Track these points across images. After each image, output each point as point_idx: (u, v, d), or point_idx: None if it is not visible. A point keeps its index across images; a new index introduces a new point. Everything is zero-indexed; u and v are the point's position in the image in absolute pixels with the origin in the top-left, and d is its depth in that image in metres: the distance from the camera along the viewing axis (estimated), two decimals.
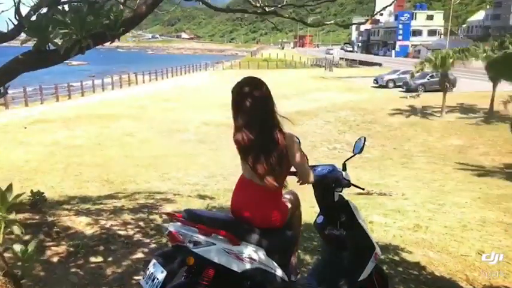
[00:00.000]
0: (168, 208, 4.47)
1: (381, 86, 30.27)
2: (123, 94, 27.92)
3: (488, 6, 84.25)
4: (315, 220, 2.51)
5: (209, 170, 11.55)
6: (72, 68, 69.61)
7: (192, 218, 1.99)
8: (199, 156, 13.58)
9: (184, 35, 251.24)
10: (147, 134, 16.60)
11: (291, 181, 2.27)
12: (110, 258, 2.89)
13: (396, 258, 3.55)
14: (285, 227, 2.21)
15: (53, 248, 2.98)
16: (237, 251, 1.97)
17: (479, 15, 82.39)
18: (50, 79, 29.31)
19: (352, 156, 2.46)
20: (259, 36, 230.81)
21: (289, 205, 2.28)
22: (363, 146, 2.43)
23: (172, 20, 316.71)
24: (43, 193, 4.17)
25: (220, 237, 1.96)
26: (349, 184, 2.29)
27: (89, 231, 3.39)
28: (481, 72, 23.42)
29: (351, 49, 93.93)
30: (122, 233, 3.39)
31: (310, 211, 5.35)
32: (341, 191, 2.36)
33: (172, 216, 2.04)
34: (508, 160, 14.15)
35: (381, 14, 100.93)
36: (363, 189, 2.33)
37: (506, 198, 8.33)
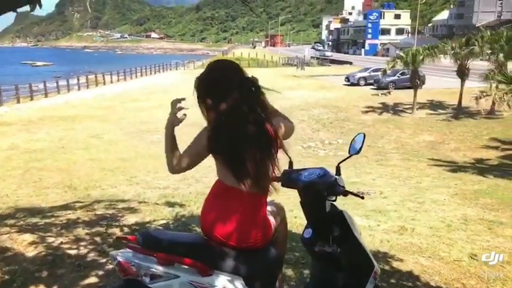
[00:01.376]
0: (131, 219, 3.97)
1: (352, 84, 30.39)
2: (90, 95, 26.83)
3: (452, 6, 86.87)
4: (302, 234, 2.11)
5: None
6: (37, 69, 67.27)
7: (148, 242, 1.55)
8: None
9: (154, 35, 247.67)
10: (114, 135, 15.85)
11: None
12: (55, 287, 2.39)
13: (387, 267, 3.21)
14: (267, 245, 1.80)
15: None
16: (207, 283, 1.54)
17: (444, 15, 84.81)
18: (14, 80, 27.87)
19: (348, 158, 2.07)
20: (230, 35, 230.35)
21: (272, 219, 1.88)
22: (362, 145, 2.05)
23: (141, 20, 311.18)
24: None
25: (186, 266, 1.52)
26: (344, 192, 1.88)
27: (31, 252, 2.87)
28: (449, 69, 23.90)
29: (321, 48, 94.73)
30: (72, 252, 2.88)
31: (288, 215, 5.02)
32: (334, 200, 1.97)
33: (123, 240, 1.60)
34: (479, 155, 14.32)
35: (350, 13, 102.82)
36: (362, 197, 1.94)
37: (482, 194, 8.27)
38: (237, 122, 1.73)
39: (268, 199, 1.92)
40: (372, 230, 4.77)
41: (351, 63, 51.66)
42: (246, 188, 1.72)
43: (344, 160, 2.04)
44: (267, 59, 56.36)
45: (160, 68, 45.01)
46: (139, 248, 1.52)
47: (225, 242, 1.69)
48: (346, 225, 1.98)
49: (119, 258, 1.49)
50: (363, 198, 1.93)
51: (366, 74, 31.14)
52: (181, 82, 33.15)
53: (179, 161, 1.84)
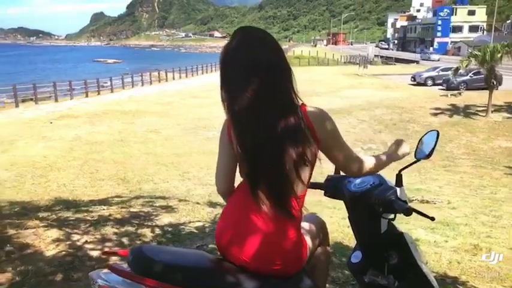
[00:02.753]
0: (165, 219, 3.69)
1: (418, 84, 28.60)
2: (153, 91, 27.68)
3: None
4: (350, 258, 1.65)
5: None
6: (108, 66, 71.47)
7: (139, 264, 1.18)
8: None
9: (217, 34, 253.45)
10: (172, 130, 16.04)
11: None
12: None
13: None
14: (300, 273, 1.36)
15: None
16: None
17: None
18: (87, 76, 29.55)
19: (413, 163, 1.56)
20: (291, 34, 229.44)
21: (308, 240, 1.43)
22: (435, 146, 1.54)
23: (205, 19, 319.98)
24: None
25: None
26: (408, 210, 1.37)
27: (51, 251, 2.67)
28: None
29: (386, 47, 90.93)
30: (94, 254, 2.62)
31: (341, 224, 4.46)
32: (393, 219, 1.49)
33: (112, 255, 1.25)
34: None
35: (418, 10, 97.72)
36: (433, 218, 1.43)
37: None
38: (256, 119, 1.29)
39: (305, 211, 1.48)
40: (438, 246, 4.12)
41: (417, 62, 49.00)
42: (265, 209, 1.30)
43: (408, 166, 1.55)
44: (328, 57, 55.05)
45: None
46: (126, 271, 1.16)
47: (243, 265, 1.29)
48: (407, 251, 1.49)
49: (100, 282, 1.13)
50: (433, 219, 1.43)
51: (434, 73, 29.19)
52: None
53: (216, 180, 1.51)
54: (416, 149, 1.59)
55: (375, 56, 57.00)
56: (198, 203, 4.62)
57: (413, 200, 7.57)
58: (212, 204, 4.50)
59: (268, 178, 1.30)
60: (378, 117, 19.27)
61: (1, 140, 12.83)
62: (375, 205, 1.44)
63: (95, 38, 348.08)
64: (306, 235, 1.42)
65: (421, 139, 1.61)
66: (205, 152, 12.85)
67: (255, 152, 1.30)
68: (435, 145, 1.51)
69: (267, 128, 1.27)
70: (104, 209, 3.93)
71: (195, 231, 3.39)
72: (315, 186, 1.70)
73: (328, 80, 30.78)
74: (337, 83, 29.60)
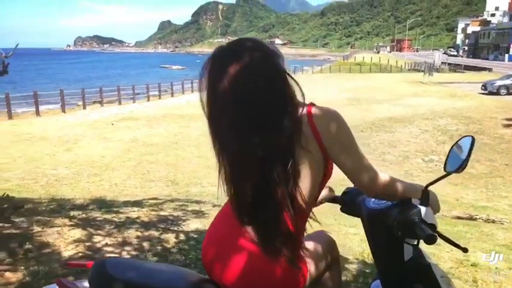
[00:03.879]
0: (193, 224, 3.53)
1: (490, 93, 26.53)
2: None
3: None
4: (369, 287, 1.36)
5: None
6: (173, 72, 74.64)
7: (98, 281, 1.00)
8: None
9: (277, 41, 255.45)
10: None
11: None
12: None
13: None
14: None
15: (6, 273, 2.22)
16: None
17: None
18: (153, 81, 30.90)
19: (443, 177, 1.23)
20: (354, 40, 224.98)
21: (310, 264, 1.18)
22: (469, 156, 1.19)
23: (266, 26, 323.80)
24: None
25: None
26: (430, 237, 1.06)
27: (69, 251, 2.60)
28: None
29: (455, 53, 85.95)
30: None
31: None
32: (417, 244, 1.18)
33: (76, 267, 1.10)
34: None
35: (493, 15, 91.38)
36: (465, 249, 1.11)
37: None
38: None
39: (314, 226, 1.23)
40: (499, 274, 3.57)
41: (490, 70, 45.59)
42: (249, 236, 1.10)
43: (436, 181, 1.21)
44: (391, 64, 53.05)
45: None
46: None
47: None
48: (436, 287, 1.17)
49: None
50: (465, 251, 1.11)
51: (508, 81, 26.95)
52: None
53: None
54: (446, 161, 1.26)
55: (442, 63, 53.97)
56: None
57: (477, 219, 6.87)
58: None
59: (254, 202, 1.10)
60: (442, 127, 18.05)
61: (67, 139, 13.67)
62: (393, 227, 1.14)
63: (162, 45, 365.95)
64: (308, 257, 1.16)
65: (451, 148, 1.27)
66: None
67: (239, 171, 1.11)
68: (469, 155, 1.17)
69: (248, 146, 1.07)
70: (134, 211, 3.88)
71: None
72: (331, 200, 1.46)
73: (390, 87, 29.54)
74: (399, 90, 28.32)
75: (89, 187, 8.02)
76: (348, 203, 1.42)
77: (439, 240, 1.10)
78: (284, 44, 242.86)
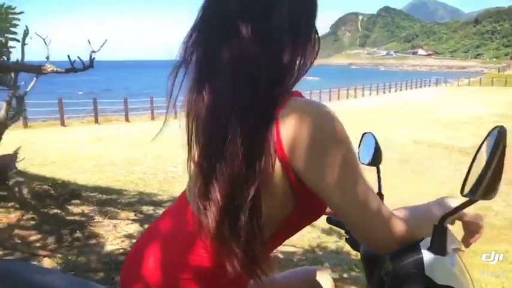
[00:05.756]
0: None
1: None
2: (336, 107, 27.64)
3: None
4: None
5: (403, 196, 9.52)
6: (307, 83, 76.31)
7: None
8: (395, 178, 11.50)
9: (421, 52, 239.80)
10: None
11: None
12: None
13: None
14: None
15: (45, 259, 2.21)
16: None
17: None
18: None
19: (467, 205, 0.71)
20: None
21: None
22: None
23: (409, 36, 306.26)
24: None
25: None
26: None
27: (113, 246, 2.52)
28: None
29: None
30: None
31: None
32: None
33: None
34: None
35: None
36: None
37: None
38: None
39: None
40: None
41: None
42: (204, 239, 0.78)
43: (455, 212, 0.74)
44: None
45: (418, 83, 42.39)
46: None
47: None
48: None
49: None
50: None
51: None
52: (437, 100, 30.04)
53: None
54: (464, 183, 0.71)
55: None
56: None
57: None
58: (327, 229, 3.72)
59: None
60: None
61: None
62: (384, 279, 0.78)
63: None
64: None
65: (472, 163, 0.73)
66: (375, 172, 11.81)
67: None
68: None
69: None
70: None
71: (278, 255, 2.79)
72: (334, 223, 1.15)
73: None
74: None
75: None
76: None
77: None
78: (428, 55, 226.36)
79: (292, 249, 3.09)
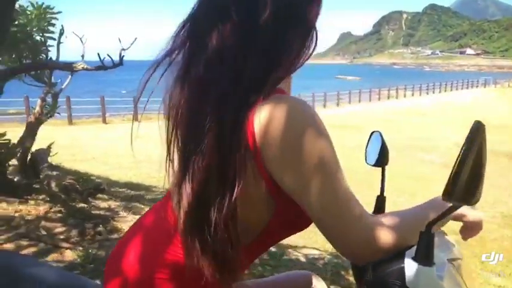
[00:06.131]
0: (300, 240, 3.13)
1: None
2: (379, 107, 27.08)
3: None
4: None
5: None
6: (347, 83, 75.08)
7: None
8: (436, 182, 11.05)
9: (469, 51, 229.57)
10: None
11: None
12: None
13: None
14: None
15: (66, 252, 2.27)
16: None
17: None
18: (327, 91, 31.59)
19: (451, 211, 0.63)
20: None
21: None
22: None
23: (456, 35, 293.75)
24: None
25: None
26: None
27: None
28: None
29: None
30: None
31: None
32: None
33: None
34: None
35: None
36: None
37: None
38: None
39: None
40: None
41: None
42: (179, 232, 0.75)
43: (442, 217, 0.65)
44: None
45: (464, 84, 40.58)
46: None
47: None
48: None
49: None
50: None
51: None
52: (484, 101, 28.68)
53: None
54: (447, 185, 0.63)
55: None
56: None
57: None
58: None
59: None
60: None
61: None
62: (364, 284, 0.73)
63: (340, 56, 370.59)
64: None
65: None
66: (414, 177, 11.40)
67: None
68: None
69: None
70: None
71: (301, 259, 2.73)
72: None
73: None
74: None
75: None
76: None
77: None
78: (477, 55, 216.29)
79: (314, 252, 3.02)
